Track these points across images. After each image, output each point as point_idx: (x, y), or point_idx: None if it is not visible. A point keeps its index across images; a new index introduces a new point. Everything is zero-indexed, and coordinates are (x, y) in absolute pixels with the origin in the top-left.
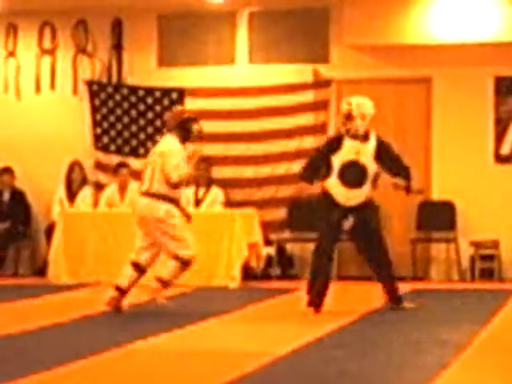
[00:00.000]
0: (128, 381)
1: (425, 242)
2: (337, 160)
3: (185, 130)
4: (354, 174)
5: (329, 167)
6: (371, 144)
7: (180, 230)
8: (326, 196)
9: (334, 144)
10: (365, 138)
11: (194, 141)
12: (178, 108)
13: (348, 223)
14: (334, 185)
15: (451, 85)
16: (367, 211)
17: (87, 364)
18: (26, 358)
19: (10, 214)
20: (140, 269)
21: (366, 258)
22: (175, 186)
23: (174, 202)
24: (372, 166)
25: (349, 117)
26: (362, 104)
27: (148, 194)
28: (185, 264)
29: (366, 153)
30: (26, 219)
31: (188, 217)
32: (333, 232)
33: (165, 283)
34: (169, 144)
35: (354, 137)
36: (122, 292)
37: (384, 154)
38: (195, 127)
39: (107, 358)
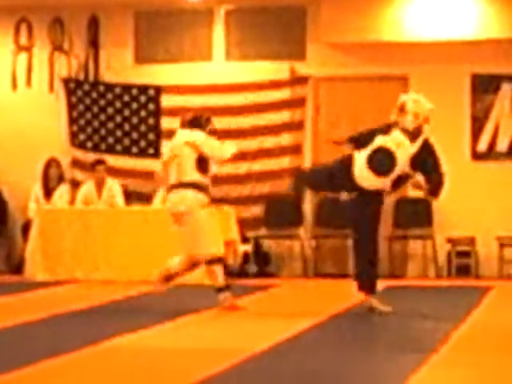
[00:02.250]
0: (105, 378)
1: (401, 239)
2: (377, 141)
3: (199, 129)
4: (381, 162)
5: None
6: (415, 146)
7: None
8: (353, 184)
9: (384, 129)
10: (414, 137)
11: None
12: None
13: (344, 196)
14: (365, 172)
15: (427, 82)
16: (371, 199)
17: (65, 361)
18: (3, 355)
19: None
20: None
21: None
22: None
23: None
24: (402, 165)
25: (402, 109)
26: (418, 101)
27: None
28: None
29: (405, 151)
30: (2, 216)
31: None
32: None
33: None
34: (190, 135)
35: (404, 131)
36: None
37: (424, 155)
38: (209, 126)
39: (85, 354)
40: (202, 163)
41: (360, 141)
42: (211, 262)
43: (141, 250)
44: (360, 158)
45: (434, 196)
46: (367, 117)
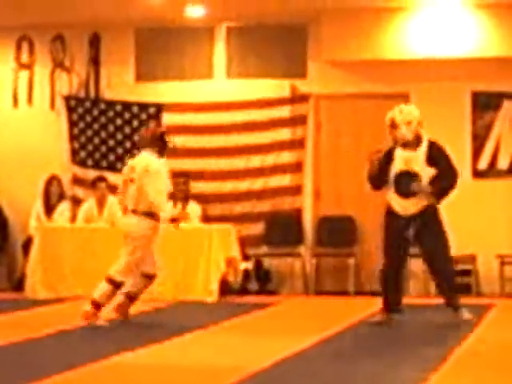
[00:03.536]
0: None
1: None
2: (392, 171)
3: (162, 144)
4: (406, 184)
5: (387, 179)
6: (422, 150)
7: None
8: (388, 208)
9: (387, 157)
10: (416, 144)
11: (167, 154)
12: (152, 124)
13: (410, 233)
14: (392, 196)
15: (428, 100)
16: (426, 218)
17: (65, 379)
18: (4, 372)
19: None
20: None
21: (427, 265)
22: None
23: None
24: (426, 172)
25: (393, 125)
26: (405, 110)
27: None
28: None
29: (417, 160)
30: (2, 233)
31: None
32: (396, 243)
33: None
34: (151, 161)
35: (405, 145)
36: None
37: (437, 157)
38: (169, 141)
39: (84, 372)
40: None
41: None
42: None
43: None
44: (390, 194)
45: (438, 199)
46: (368, 135)
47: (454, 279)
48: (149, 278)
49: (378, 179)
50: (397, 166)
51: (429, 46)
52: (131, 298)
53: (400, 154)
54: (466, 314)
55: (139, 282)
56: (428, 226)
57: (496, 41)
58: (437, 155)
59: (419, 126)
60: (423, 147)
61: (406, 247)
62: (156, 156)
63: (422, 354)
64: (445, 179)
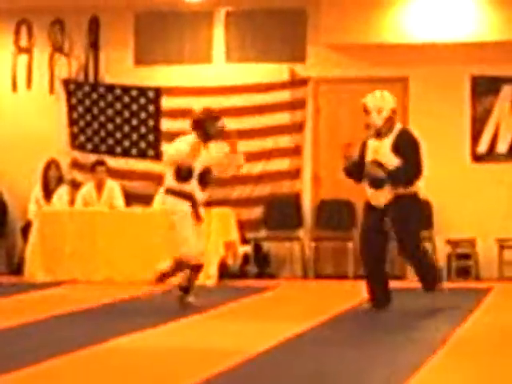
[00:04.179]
0: (106, 378)
1: None
2: (365, 162)
3: (202, 131)
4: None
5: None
6: (390, 139)
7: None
8: (366, 200)
9: (361, 149)
10: (385, 133)
11: (215, 139)
12: (200, 108)
13: (387, 224)
14: (366, 188)
15: (427, 84)
16: (399, 208)
17: (65, 362)
18: (3, 355)
19: None
20: None
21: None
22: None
23: (184, 196)
24: (392, 162)
25: (365, 111)
26: (377, 97)
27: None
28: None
29: (383, 149)
30: (1, 217)
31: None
32: (370, 234)
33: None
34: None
35: (378, 134)
36: None
37: (403, 146)
38: (215, 126)
39: (86, 355)
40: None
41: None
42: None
43: (140, 251)
44: (365, 185)
45: (395, 182)
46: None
47: (423, 267)
48: (196, 268)
49: (356, 172)
50: (368, 157)
51: (428, 30)
52: (184, 289)
53: (372, 144)
54: (440, 300)
55: (188, 273)
56: (400, 215)
57: (495, 25)
58: (403, 145)
59: (392, 113)
60: (392, 136)
61: (383, 240)
62: (197, 139)
63: (419, 337)
64: (403, 170)
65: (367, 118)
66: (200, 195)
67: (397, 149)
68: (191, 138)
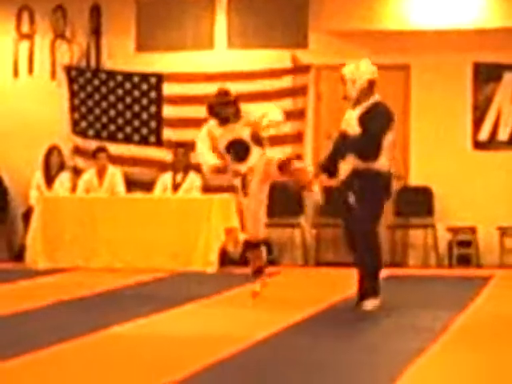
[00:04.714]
0: (106, 364)
1: (402, 228)
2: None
3: (215, 116)
4: (343, 146)
5: None
6: (358, 110)
7: None
8: None
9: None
10: (358, 103)
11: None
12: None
13: (351, 199)
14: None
15: (429, 71)
16: (361, 183)
17: (66, 348)
18: (4, 341)
19: None
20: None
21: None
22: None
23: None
24: (356, 133)
25: (342, 80)
26: (354, 68)
27: None
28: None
29: (351, 121)
30: (2, 204)
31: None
32: (343, 211)
33: None
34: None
35: (352, 103)
36: None
37: (368, 117)
38: (225, 110)
39: (87, 342)
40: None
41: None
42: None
43: (142, 238)
44: None
45: (349, 151)
46: None
47: (365, 263)
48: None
49: (330, 166)
50: (341, 126)
51: (430, 17)
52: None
53: (346, 115)
54: (370, 305)
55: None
56: (361, 191)
57: (498, 12)
58: (369, 116)
59: (369, 84)
60: (361, 107)
61: (350, 215)
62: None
63: (420, 324)
64: (357, 141)
65: (344, 89)
66: (241, 168)
67: (362, 120)
68: (204, 130)
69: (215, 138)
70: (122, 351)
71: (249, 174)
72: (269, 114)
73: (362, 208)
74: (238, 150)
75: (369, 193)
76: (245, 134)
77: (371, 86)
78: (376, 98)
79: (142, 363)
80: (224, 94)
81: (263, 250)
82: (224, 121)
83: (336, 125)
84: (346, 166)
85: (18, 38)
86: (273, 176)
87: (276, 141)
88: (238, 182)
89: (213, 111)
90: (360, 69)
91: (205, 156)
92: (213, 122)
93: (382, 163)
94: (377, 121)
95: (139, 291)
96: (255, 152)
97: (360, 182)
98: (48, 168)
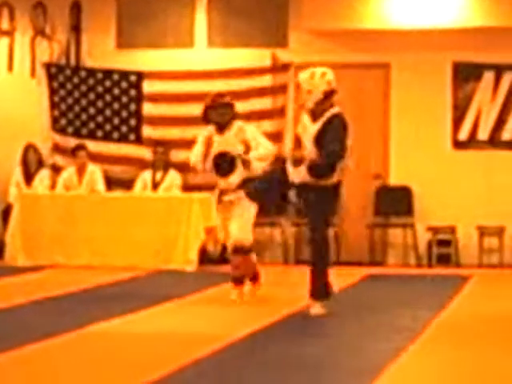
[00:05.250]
0: (86, 363)
1: (382, 227)
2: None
3: (208, 122)
4: (297, 152)
5: None
6: (316, 126)
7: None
8: None
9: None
10: (316, 115)
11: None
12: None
13: (292, 195)
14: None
15: (409, 70)
16: (307, 193)
17: (46, 346)
18: None
19: None
20: None
21: None
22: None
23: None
24: (310, 150)
25: (298, 88)
26: (309, 77)
27: None
28: None
29: (308, 133)
30: None
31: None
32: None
33: None
34: None
35: (310, 113)
36: None
37: (323, 140)
38: (216, 113)
39: (66, 340)
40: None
41: None
42: None
43: (122, 236)
44: None
45: (314, 175)
46: (349, 104)
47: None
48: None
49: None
50: (297, 129)
51: (410, 17)
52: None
53: (303, 118)
54: (316, 310)
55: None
56: (310, 202)
57: (477, 11)
58: (324, 135)
59: (325, 96)
60: (318, 123)
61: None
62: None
63: (400, 324)
64: (319, 167)
65: (300, 98)
66: (221, 182)
67: (318, 141)
68: (201, 137)
69: (212, 144)
70: (100, 349)
71: (225, 192)
72: (261, 148)
73: (312, 217)
74: (223, 163)
75: (319, 204)
76: (236, 148)
77: (328, 97)
78: (335, 110)
79: (121, 361)
80: (212, 98)
81: (253, 256)
82: (221, 127)
83: None
84: (297, 176)
85: None
86: None
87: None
88: (215, 195)
89: (206, 117)
90: (315, 79)
91: (193, 152)
92: (211, 129)
93: (334, 178)
94: (334, 145)
95: (118, 289)
96: (239, 171)
97: (309, 195)
98: (26, 165)
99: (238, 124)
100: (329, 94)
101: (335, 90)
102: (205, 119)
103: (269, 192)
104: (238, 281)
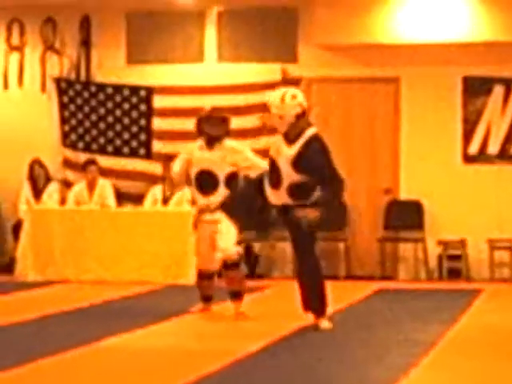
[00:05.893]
0: (95, 378)
1: (392, 241)
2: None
3: (202, 134)
4: (273, 174)
5: None
6: (294, 149)
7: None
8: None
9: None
10: (293, 140)
11: (218, 141)
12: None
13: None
14: (267, 185)
15: (419, 84)
16: (292, 218)
17: (55, 361)
18: None
19: None
20: None
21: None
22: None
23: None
24: (288, 173)
25: (269, 111)
26: (279, 101)
27: None
28: None
29: (283, 157)
30: None
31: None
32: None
33: None
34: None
35: (284, 136)
36: None
37: (304, 163)
38: (210, 127)
39: (76, 355)
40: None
41: None
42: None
43: (132, 251)
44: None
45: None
46: (358, 118)
47: (312, 285)
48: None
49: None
50: (271, 152)
51: (420, 31)
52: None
53: (278, 140)
54: (325, 324)
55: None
56: (293, 222)
57: (487, 25)
58: (307, 159)
59: (297, 119)
60: (296, 146)
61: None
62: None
63: (411, 339)
64: (326, 188)
65: (265, 117)
66: (200, 200)
67: (297, 165)
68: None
69: (191, 163)
70: (110, 365)
71: (202, 212)
72: (252, 171)
73: (298, 240)
74: (205, 182)
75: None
76: (223, 169)
77: (301, 118)
78: (311, 132)
79: (129, 377)
80: (217, 110)
81: (242, 270)
82: (211, 141)
83: (325, 137)
84: (277, 198)
85: (8, 50)
86: None
87: (267, 154)
88: (193, 213)
89: (199, 129)
90: (285, 103)
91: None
92: (200, 143)
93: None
94: (331, 170)
95: (128, 304)
96: (221, 190)
97: (291, 215)
98: (34, 180)
99: (231, 144)
100: (301, 116)
101: (307, 109)
102: (197, 131)
103: (244, 208)
104: (205, 299)
